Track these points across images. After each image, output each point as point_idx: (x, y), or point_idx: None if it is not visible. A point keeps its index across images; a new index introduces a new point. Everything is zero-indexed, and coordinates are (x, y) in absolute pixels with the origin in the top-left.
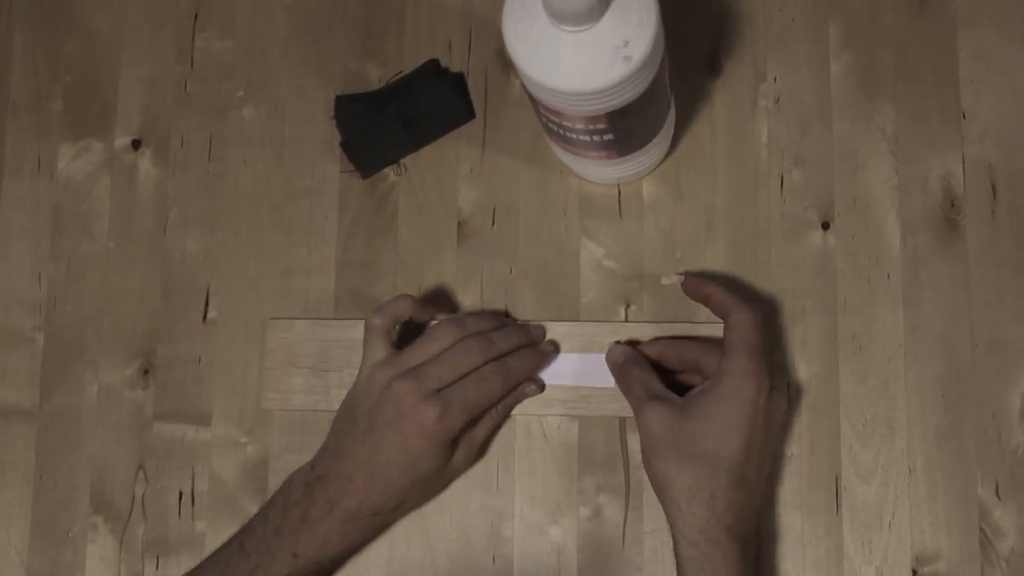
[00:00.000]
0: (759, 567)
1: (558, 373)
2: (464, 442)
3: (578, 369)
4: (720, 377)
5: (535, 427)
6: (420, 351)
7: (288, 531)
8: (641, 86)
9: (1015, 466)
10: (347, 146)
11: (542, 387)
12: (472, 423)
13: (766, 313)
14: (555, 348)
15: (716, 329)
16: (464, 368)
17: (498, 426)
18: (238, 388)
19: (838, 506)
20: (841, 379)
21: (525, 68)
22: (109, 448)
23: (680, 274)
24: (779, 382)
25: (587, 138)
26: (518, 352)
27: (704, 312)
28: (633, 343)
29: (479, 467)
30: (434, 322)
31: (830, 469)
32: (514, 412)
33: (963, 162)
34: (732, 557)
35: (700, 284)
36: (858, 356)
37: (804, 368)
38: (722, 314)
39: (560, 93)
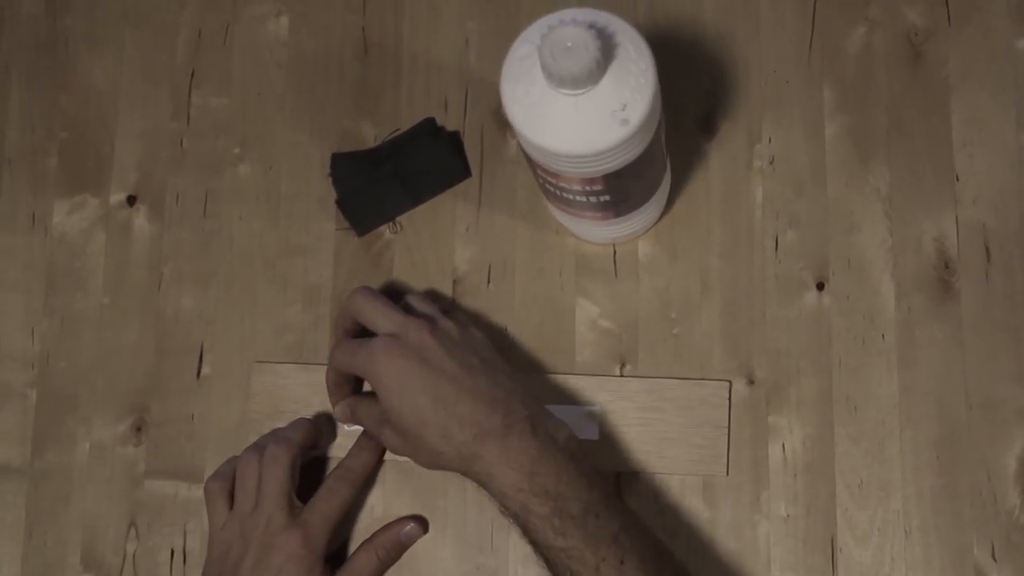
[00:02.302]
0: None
1: None
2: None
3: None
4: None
5: None
6: (245, 496)
7: None
8: (638, 148)
9: (1011, 529)
10: (343, 204)
11: (425, 527)
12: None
13: (760, 376)
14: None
15: (708, 387)
16: (284, 477)
17: (384, 568)
18: (231, 445)
19: (834, 568)
20: (836, 440)
21: (523, 130)
22: (100, 505)
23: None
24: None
25: (583, 199)
26: (351, 452)
27: (699, 370)
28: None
29: (472, 527)
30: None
31: (826, 531)
32: None
33: (957, 224)
34: (512, 445)
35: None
36: (853, 417)
37: (799, 429)
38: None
39: (557, 155)
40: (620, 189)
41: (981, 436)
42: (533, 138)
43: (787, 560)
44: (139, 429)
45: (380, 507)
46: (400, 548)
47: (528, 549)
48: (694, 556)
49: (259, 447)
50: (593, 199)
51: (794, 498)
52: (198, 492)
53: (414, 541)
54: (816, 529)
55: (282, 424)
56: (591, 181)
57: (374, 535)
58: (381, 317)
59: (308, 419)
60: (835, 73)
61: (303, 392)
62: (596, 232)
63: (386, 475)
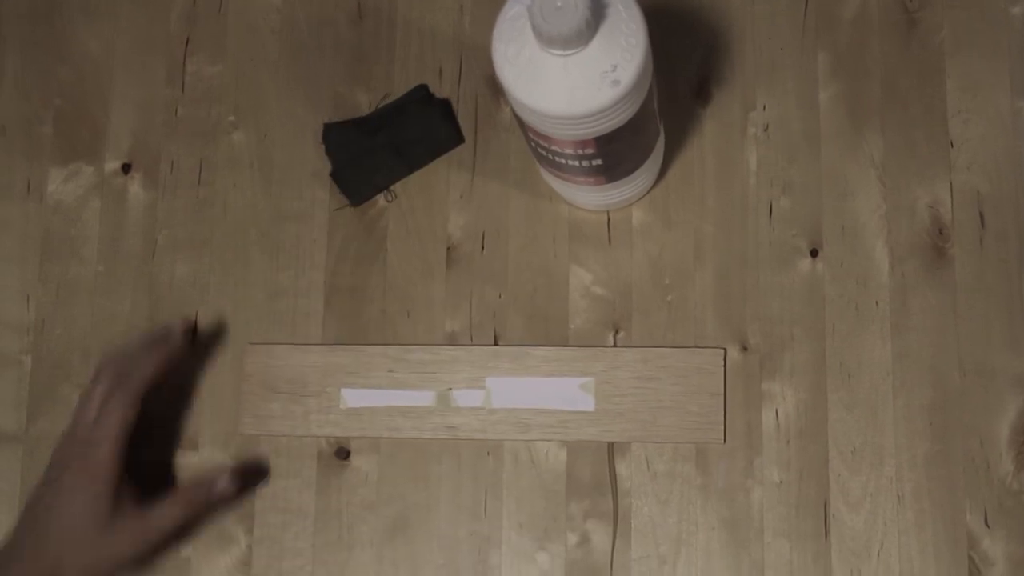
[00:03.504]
0: None
1: (536, 396)
2: (134, 516)
3: (557, 393)
4: None
5: (523, 453)
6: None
7: None
8: (629, 111)
9: (1003, 495)
10: (337, 176)
11: (240, 483)
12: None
13: (754, 343)
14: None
15: (703, 355)
16: (117, 429)
17: (186, 522)
18: (225, 412)
19: (826, 533)
20: (829, 406)
21: (514, 91)
22: None
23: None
24: None
25: (576, 163)
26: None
27: (692, 337)
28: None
29: (467, 493)
30: None
31: (818, 496)
32: (500, 438)
33: (951, 190)
34: None
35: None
36: (846, 384)
37: (792, 395)
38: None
39: (548, 117)
40: (612, 153)
41: (974, 403)
42: (524, 99)
43: (780, 526)
44: None
45: (375, 473)
46: (208, 506)
47: (523, 517)
48: (687, 523)
49: (118, 375)
50: (585, 163)
51: (787, 464)
52: (193, 458)
53: (224, 501)
54: (809, 495)
55: (276, 405)
56: (583, 144)
57: (187, 487)
58: None
59: (161, 348)
60: (830, 40)
61: (296, 372)
62: (590, 198)
63: (381, 442)
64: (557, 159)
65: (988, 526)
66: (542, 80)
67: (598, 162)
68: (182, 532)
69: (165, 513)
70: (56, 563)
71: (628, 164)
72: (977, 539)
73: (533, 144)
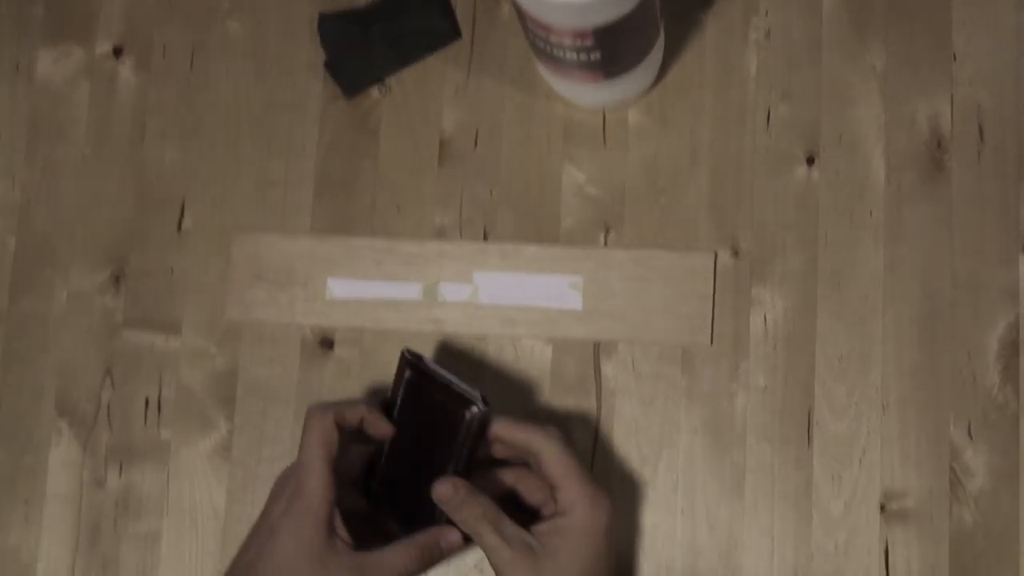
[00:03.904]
0: None
1: (524, 293)
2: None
3: (545, 291)
4: (569, 511)
5: (508, 349)
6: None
7: None
8: (629, 2)
9: (988, 407)
10: (331, 66)
11: (465, 542)
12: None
13: (745, 248)
14: None
15: (694, 258)
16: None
17: (415, 572)
18: (210, 299)
19: (809, 440)
20: (818, 314)
21: None
22: (76, 354)
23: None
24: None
25: (574, 56)
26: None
27: (684, 239)
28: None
29: None
30: None
31: (803, 403)
32: (485, 333)
33: (952, 103)
34: None
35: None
36: (836, 292)
37: (781, 302)
38: (524, 449)
39: (548, 4)
40: (610, 47)
41: (964, 315)
42: None
43: (763, 431)
44: (118, 279)
45: (358, 364)
46: (438, 556)
47: (505, 413)
48: (669, 425)
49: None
50: (583, 56)
51: (773, 370)
52: (176, 343)
53: (452, 554)
54: (793, 401)
55: (262, 292)
56: (582, 35)
57: (415, 534)
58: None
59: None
60: None
61: (284, 260)
62: (586, 95)
63: (365, 334)
64: (555, 52)
65: (971, 438)
66: None
67: (596, 55)
68: None
69: (394, 559)
70: None
71: (626, 60)
72: (960, 450)
73: (531, 36)
